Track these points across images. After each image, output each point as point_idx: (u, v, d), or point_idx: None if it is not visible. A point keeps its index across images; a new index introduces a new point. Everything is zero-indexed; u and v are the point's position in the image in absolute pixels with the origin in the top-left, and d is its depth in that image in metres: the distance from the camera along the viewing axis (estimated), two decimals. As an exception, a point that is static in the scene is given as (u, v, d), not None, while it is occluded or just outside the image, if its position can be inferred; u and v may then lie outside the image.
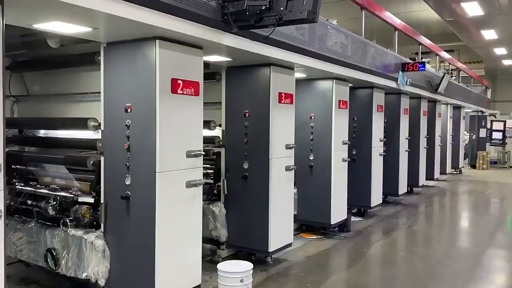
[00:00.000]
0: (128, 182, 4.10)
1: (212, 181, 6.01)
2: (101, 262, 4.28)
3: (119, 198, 4.10)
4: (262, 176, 5.54)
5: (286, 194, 5.88)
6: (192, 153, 4.24)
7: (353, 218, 8.29)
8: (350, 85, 7.62)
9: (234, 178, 5.75)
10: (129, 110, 4.08)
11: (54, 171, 5.08)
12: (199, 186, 4.38)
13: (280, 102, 5.61)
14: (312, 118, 7.12)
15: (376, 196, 8.76)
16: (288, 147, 5.80)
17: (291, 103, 5.85)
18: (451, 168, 15.38)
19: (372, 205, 8.59)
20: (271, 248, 5.57)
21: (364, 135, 8.50)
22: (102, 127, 4.33)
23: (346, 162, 7.46)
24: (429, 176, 12.36)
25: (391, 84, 8.51)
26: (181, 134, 4.15)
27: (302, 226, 7.47)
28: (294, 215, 7.15)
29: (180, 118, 4.13)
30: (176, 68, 4.08)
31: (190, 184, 4.25)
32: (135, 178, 4.06)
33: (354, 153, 8.50)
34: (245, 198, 5.70)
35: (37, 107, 5.41)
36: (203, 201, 5.82)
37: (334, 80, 6.94)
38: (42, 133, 5.45)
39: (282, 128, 5.68)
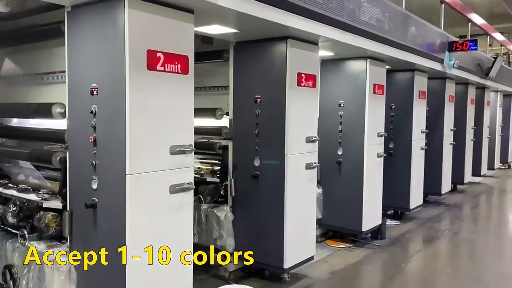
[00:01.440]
0: (94, 186, 3.16)
1: (218, 180, 5.03)
2: (65, 286, 3.38)
3: (84, 205, 3.17)
4: (276, 176, 4.52)
5: (306, 197, 4.84)
6: (178, 149, 3.26)
7: (388, 222, 7.18)
8: (387, 67, 6.46)
9: (243, 178, 4.75)
10: (95, 93, 3.12)
11: (26, 168, 4.22)
12: (189, 191, 3.39)
13: (299, 85, 4.54)
14: (341, 105, 6.02)
15: (416, 197, 7.57)
16: (309, 140, 4.74)
17: (314, 86, 4.76)
18: (500, 162, 13.87)
19: (411, 207, 7.43)
20: (286, 264, 4.55)
21: (403, 126, 7.32)
22: (67, 115, 3.41)
23: (382, 158, 6.33)
24: (476, 171, 10.97)
25: (436, 66, 7.26)
26: (162, 125, 3.17)
27: (329, 232, 6.42)
28: (319, 219, 6.16)
29: (160, 103, 3.14)
30: (156, 37, 3.09)
31: (176, 189, 3.27)
32: (103, 181, 3.12)
33: (390, 146, 7.35)
34: (256, 201, 4.70)
35: (7, 90, 4.53)
36: (207, 203, 4.96)
37: (368, 60, 5.80)
38: (14, 122, 4.58)
39: (301, 117, 4.62)
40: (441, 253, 6.34)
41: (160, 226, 3.21)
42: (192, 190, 3.42)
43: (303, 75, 4.56)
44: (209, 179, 5.07)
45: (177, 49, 3.21)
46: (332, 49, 5.34)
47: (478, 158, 11.10)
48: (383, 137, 6.33)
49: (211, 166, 5.30)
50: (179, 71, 3.23)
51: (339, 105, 6.03)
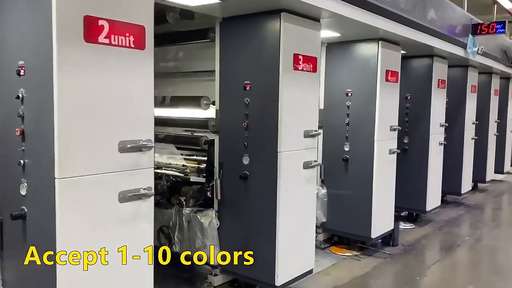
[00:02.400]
0: (23, 192, 2.49)
1: (204, 180, 4.34)
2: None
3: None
4: (267, 176, 3.81)
5: (304, 201, 4.12)
6: (130, 145, 2.56)
7: (402, 225, 6.45)
8: (402, 52, 5.68)
9: (230, 178, 4.06)
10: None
11: None
12: (147, 199, 2.69)
13: (296, 68, 3.81)
14: (349, 95, 5.27)
15: (434, 198, 6.79)
16: (308, 134, 4.01)
17: (314, 70, 4.02)
18: (524, 159, 12.92)
19: (427, 209, 6.65)
20: (279, 281, 3.84)
21: (420, 118, 6.54)
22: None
23: (395, 154, 5.58)
24: (498, 169, 10.10)
25: (458, 51, 6.44)
26: (111, 115, 2.47)
27: (334, 237, 5.70)
28: (323, 223, 5.48)
29: (107, 86, 2.45)
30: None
31: (128, 197, 2.58)
32: (32, 186, 2.45)
33: (405, 141, 6.59)
34: (245, 206, 4.00)
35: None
36: (190, 207, 4.29)
37: (380, 42, 5.03)
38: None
39: (298, 107, 3.89)
40: (462, 264, 5.56)
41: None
42: (152, 197, 2.72)
43: (300, 56, 3.83)
44: (193, 178, 4.39)
45: (126, 17, 2.50)
46: (338, 28, 4.59)
47: (501, 154, 10.24)
48: (397, 131, 5.57)
49: (197, 164, 4.61)
50: (132, 45, 2.53)
51: (346, 95, 5.28)
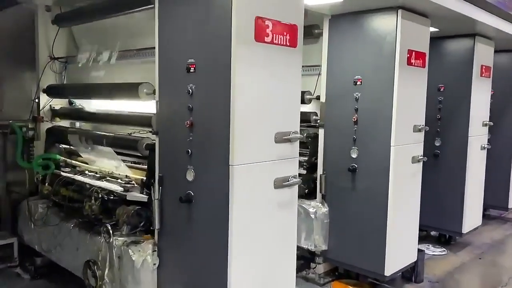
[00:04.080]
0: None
1: (146, 198, 3.15)
2: None
3: None
4: (215, 200, 2.57)
5: (276, 235, 2.84)
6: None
7: (430, 250, 5.16)
8: (432, 29, 4.32)
9: (173, 199, 2.84)
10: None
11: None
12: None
13: (259, 39, 2.54)
14: (358, 83, 3.95)
15: (473, 216, 5.37)
16: (281, 139, 2.73)
17: (293, 44, 2.73)
18: None
19: (464, 231, 5.24)
20: None
21: (456, 115, 5.14)
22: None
23: (421, 163, 4.23)
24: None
25: (508, 28, 4.98)
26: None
27: (337, 269, 4.41)
28: (324, 251, 4.23)
29: None
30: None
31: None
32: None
33: (437, 145, 5.23)
34: (189, 239, 2.79)
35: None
36: (124, 236, 3.13)
37: (399, 12, 3.67)
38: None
39: (264, 96, 2.61)
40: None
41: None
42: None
43: (267, 22, 2.55)
44: (130, 196, 3.18)
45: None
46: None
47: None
48: (424, 132, 4.22)
49: (145, 176, 3.41)
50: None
51: (355, 83, 3.96)
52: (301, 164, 4.53)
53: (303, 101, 4.36)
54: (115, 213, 3.21)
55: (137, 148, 3.18)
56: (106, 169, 3.68)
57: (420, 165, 4.23)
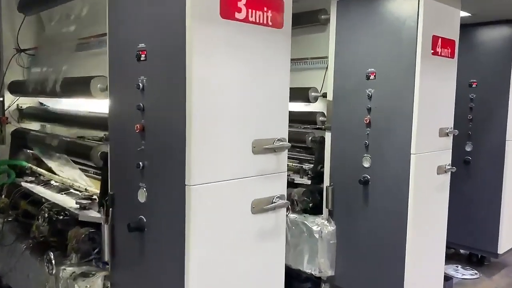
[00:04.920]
0: None
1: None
2: None
3: None
4: (171, 229, 1.95)
5: (258, 276, 2.20)
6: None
7: (459, 273, 4.44)
8: (463, 14, 3.60)
9: (124, 225, 2.23)
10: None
11: None
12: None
13: (227, 15, 1.90)
14: (371, 77, 3.26)
15: (511, 234, 4.61)
16: (261, 149, 2.08)
17: (277, 24, 2.08)
18: None
19: (500, 252, 4.49)
20: None
21: (492, 116, 4.41)
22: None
23: (448, 174, 3.51)
24: None
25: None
26: None
27: (346, 298, 3.74)
28: (331, 277, 3.58)
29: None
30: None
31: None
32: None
33: (468, 150, 4.50)
34: (146, 274, 2.17)
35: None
36: (74, 265, 2.55)
37: (422, -10, 2.99)
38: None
39: (237, 92, 1.98)
40: None
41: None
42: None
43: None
44: (82, 217, 2.59)
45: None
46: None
47: None
48: (452, 137, 3.50)
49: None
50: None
51: (367, 78, 3.27)
52: (305, 173, 3.93)
53: (307, 100, 3.78)
54: (67, 236, 2.63)
55: (90, 157, 2.58)
56: (69, 180, 3.11)
57: (447, 176, 3.51)
